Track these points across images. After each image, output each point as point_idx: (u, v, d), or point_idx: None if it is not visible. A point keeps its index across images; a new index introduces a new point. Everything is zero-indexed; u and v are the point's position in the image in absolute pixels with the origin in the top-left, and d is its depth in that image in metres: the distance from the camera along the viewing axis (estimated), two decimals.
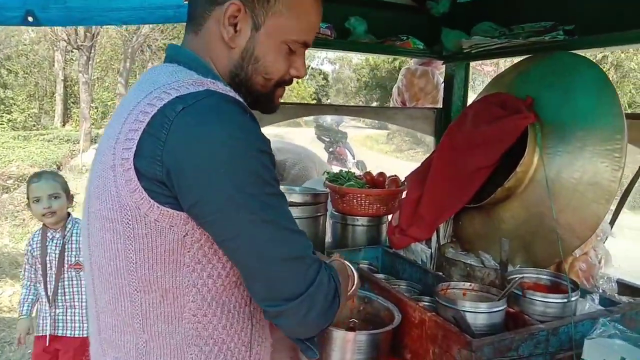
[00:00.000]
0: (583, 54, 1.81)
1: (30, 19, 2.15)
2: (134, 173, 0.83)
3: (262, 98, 1.03)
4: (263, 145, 0.86)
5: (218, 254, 0.90)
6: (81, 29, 14.19)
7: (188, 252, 0.88)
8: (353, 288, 1.15)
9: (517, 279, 1.43)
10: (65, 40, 15.08)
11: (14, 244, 6.28)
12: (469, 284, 1.52)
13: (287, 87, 1.08)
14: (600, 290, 1.70)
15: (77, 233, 2.53)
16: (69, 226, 2.55)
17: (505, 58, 2.43)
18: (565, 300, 1.41)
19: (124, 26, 16.01)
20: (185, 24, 1.04)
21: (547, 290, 1.51)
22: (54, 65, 17.77)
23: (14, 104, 16.55)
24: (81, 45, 14.26)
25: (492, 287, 1.49)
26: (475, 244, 1.87)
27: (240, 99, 0.90)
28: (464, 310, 1.31)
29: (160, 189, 0.84)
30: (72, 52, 16.34)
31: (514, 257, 1.70)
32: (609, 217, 1.76)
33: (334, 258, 1.18)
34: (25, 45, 18.13)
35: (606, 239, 1.84)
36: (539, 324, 1.34)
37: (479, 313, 1.33)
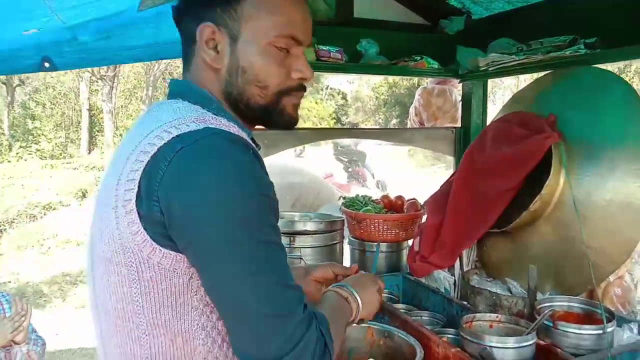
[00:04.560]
0: (606, 67, 1.73)
1: (46, 64, 2.16)
2: (136, 215, 0.81)
3: (266, 111, 0.97)
4: (262, 189, 0.82)
5: None
6: None
7: (195, 295, 0.84)
8: (361, 310, 1.06)
9: (547, 310, 1.35)
10: (89, 71, 15.49)
11: (38, 272, 6.35)
12: (495, 315, 1.44)
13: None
14: (638, 317, 1.60)
15: None
16: None
17: (520, 74, 2.35)
18: (601, 331, 1.32)
19: None
20: None
21: (580, 320, 1.43)
22: (79, 96, 18.24)
23: (42, 134, 16.98)
24: (104, 76, 14.64)
25: (520, 319, 1.41)
26: (502, 270, 1.78)
27: (244, 135, 0.87)
28: (491, 346, 1.24)
29: (160, 231, 0.81)
30: (96, 82, 16.76)
31: (543, 283, 1.61)
32: None
33: (328, 289, 1.10)
34: (52, 77, 18.69)
35: None
36: (572, 358, 1.26)
37: (507, 348, 1.25)
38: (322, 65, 2.11)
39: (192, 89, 0.96)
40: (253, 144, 0.90)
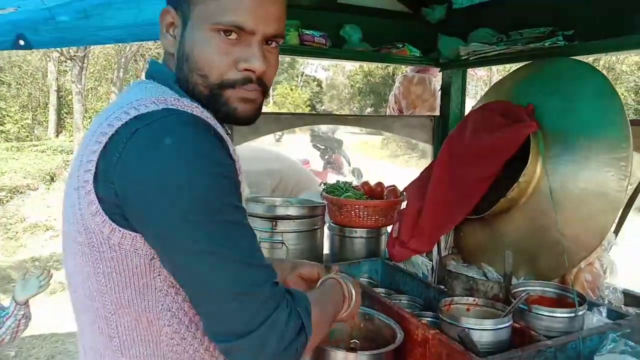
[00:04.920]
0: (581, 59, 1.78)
1: (21, 42, 2.08)
2: (94, 196, 0.81)
3: (211, 102, 0.90)
4: (220, 168, 0.80)
5: None
6: None
7: (158, 275, 0.84)
8: (349, 309, 1.07)
9: (524, 294, 1.39)
10: (58, 51, 15.01)
11: (5, 257, 6.19)
12: (472, 298, 1.48)
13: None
14: (607, 302, 1.67)
15: None
16: None
17: (500, 64, 2.39)
18: (573, 314, 1.37)
19: None
20: None
21: (552, 304, 1.48)
22: (47, 76, 17.68)
23: (7, 115, 16.43)
24: (74, 56, 14.20)
25: (496, 302, 1.45)
26: (477, 255, 1.83)
27: (207, 116, 0.85)
28: (469, 328, 1.27)
29: (118, 212, 0.81)
30: (65, 62, 16.26)
31: (518, 269, 1.66)
32: (613, 225, 1.73)
33: (330, 275, 1.11)
34: (18, 56, 18.03)
35: (611, 248, 1.80)
36: (545, 339, 1.31)
37: (484, 330, 1.29)
38: (305, 50, 2.10)
39: (163, 70, 0.95)
40: (218, 125, 0.87)
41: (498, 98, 1.90)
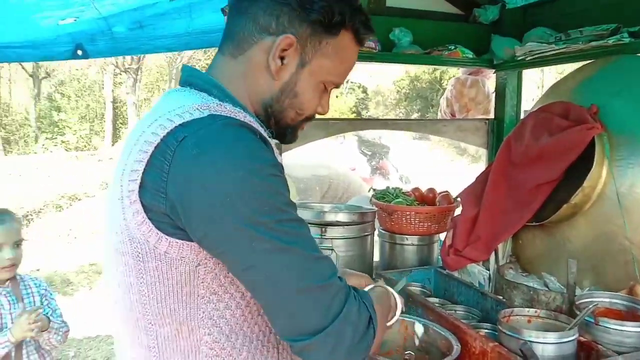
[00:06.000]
0: None
1: (79, 52, 2.21)
2: (140, 206, 0.81)
3: (289, 131, 1.01)
4: (272, 169, 0.81)
5: (235, 282, 0.85)
6: None
7: (202, 282, 0.84)
8: (394, 320, 1.06)
9: (591, 306, 1.31)
10: (113, 64, 15.71)
11: (65, 262, 6.47)
12: (534, 310, 1.41)
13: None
14: None
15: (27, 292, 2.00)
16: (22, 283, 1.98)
17: (558, 64, 2.30)
18: None
19: None
20: None
21: (622, 317, 1.40)
22: (103, 88, 18.53)
23: (67, 126, 17.31)
24: (128, 68, 14.84)
25: (559, 314, 1.38)
26: (537, 264, 1.75)
27: (250, 120, 0.86)
28: (531, 341, 1.22)
29: (166, 220, 0.81)
30: (120, 75, 17.00)
31: (582, 279, 1.58)
32: None
33: (378, 284, 1.09)
34: (77, 70, 19.01)
35: None
36: (615, 355, 1.23)
37: (547, 344, 1.23)
38: None
39: (200, 76, 0.95)
40: (261, 128, 0.88)
41: (558, 98, 1.82)
